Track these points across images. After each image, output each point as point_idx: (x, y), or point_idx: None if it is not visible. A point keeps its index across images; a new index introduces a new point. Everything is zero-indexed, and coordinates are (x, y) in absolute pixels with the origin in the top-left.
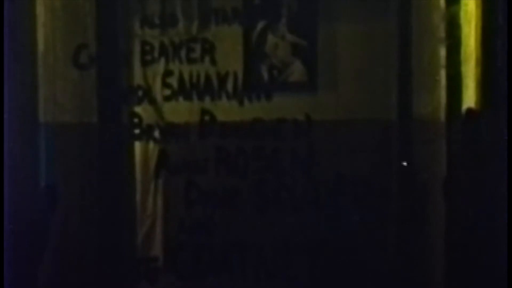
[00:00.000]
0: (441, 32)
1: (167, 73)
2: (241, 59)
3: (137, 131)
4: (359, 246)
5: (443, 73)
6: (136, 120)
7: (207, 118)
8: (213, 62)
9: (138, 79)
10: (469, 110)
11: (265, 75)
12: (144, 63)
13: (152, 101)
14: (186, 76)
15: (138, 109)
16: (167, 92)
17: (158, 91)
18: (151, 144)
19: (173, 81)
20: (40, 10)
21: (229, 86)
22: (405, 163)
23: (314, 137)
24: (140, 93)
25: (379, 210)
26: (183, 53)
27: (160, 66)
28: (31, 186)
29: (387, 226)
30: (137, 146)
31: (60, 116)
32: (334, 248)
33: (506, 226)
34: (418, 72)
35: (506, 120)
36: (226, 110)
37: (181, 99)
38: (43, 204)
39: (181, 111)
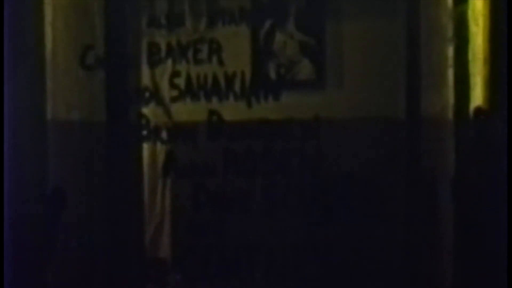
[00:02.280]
0: (449, 31)
1: (174, 73)
2: (249, 58)
3: (144, 132)
4: (367, 245)
5: (451, 72)
6: (143, 121)
7: (214, 118)
8: (221, 62)
9: (145, 80)
10: (478, 109)
11: (273, 74)
12: (151, 64)
13: (160, 102)
14: (193, 77)
15: (145, 110)
16: (175, 93)
17: (166, 92)
18: (159, 145)
19: (180, 82)
20: (47, 8)
21: (237, 86)
22: None
23: (323, 136)
24: (147, 94)
25: (387, 209)
26: (190, 53)
27: (167, 67)
28: (37, 185)
29: (395, 225)
30: (145, 147)
31: (67, 114)
32: (343, 248)
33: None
34: (426, 71)
35: (507, 121)
36: (234, 111)
37: (188, 100)
38: (49, 203)
39: (188, 112)
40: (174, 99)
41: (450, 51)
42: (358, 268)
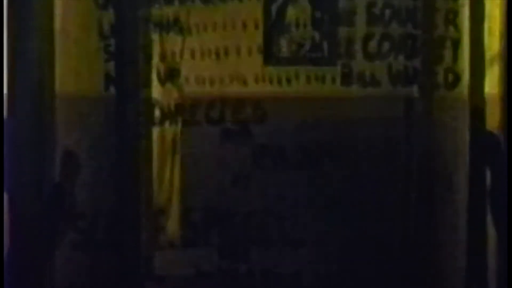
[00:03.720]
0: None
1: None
2: (261, 32)
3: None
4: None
5: None
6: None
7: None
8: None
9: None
10: None
11: (285, 49)
12: (163, 35)
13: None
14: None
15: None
16: (186, 65)
17: (177, 65)
18: (171, 118)
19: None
20: None
21: (248, 60)
22: None
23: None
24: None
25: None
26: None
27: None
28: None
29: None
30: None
31: (76, 87)
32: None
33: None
34: None
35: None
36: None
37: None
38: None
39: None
40: (187, 67)
41: None
42: (356, 262)
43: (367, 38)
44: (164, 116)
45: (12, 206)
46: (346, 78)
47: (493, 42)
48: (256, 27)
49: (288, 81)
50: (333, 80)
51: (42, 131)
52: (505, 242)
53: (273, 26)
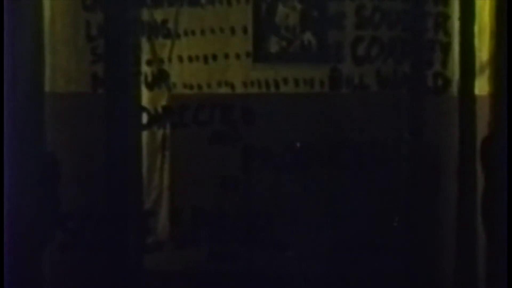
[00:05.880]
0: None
1: (175, 44)
2: (251, 29)
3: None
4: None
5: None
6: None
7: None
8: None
9: (145, 53)
10: None
11: (275, 46)
12: (152, 38)
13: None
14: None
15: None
16: (176, 64)
17: (166, 64)
18: (160, 114)
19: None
20: None
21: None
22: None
23: (326, 109)
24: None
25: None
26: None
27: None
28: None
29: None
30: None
31: (65, 86)
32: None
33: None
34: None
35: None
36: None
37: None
38: (46, 174)
39: (188, 83)
40: (175, 70)
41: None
42: (345, 264)
43: (356, 42)
44: (153, 118)
45: (10, 204)
46: (335, 82)
47: (483, 44)
48: (245, 31)
49: (276, 83)
50: (322, 83)
51: (30, 131)
52: (505, 243)
53: (263, 27)
